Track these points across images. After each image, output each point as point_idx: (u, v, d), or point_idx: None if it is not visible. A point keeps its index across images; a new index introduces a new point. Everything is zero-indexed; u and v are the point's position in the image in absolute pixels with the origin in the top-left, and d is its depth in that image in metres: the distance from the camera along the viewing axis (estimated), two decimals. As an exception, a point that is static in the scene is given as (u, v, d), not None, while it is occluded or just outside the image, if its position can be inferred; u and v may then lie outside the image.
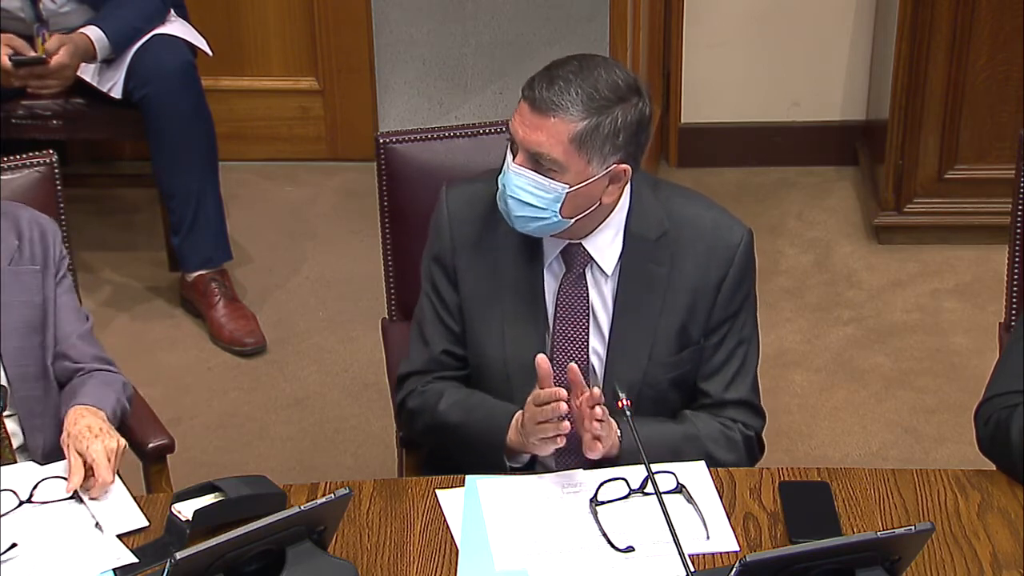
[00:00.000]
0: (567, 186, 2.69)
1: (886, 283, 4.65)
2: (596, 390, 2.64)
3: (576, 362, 2.81)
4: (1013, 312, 3.28)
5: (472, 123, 3.27)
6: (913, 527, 2.31)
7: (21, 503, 2.60)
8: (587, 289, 2.83)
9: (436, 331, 2.91)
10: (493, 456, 2.77)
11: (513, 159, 2.71)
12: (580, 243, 2.81)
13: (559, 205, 2.70)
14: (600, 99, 2.66)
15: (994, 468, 2.74)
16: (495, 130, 3.21)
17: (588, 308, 2.83)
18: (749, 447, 2.88)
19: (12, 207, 2.92)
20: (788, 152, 5.11)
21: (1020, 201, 3.21)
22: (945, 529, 2.58)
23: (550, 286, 2.84)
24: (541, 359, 2.64)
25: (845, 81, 5.04)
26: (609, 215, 2.80)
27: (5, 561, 2.48)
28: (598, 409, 2.64)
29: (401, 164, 3.23)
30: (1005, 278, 3.31)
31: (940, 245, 4.75)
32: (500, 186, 2.73)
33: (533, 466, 2.87)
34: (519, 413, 2.74)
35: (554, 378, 2.68)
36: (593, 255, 2.81)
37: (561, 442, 2.66)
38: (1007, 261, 3.27)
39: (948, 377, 4.28)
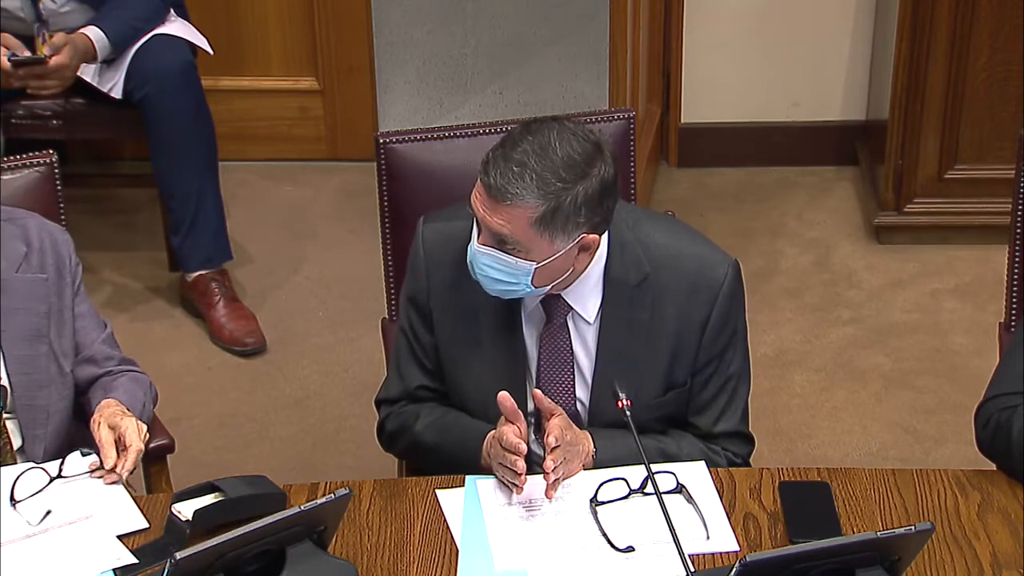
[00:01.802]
0: (534, 263, 2.64)
1: (886, 283, 4.65)
2: (551, 439, 2.62)
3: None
4: (1013, 312, 3.28)
5: (472, 123, 3.27)
6: (913, 527, 2.31)
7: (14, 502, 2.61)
8: (570, 338, 2.79)
9: (411, 367, 2.89)
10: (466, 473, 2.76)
11: (478, 236, 2.66)
12: (560, 295, 2.76)
13: (529, 278, 2.66)
14: (557, 182, 2.58)
15: (994, 468, 2.74)
16: (495, 130, 3.20)
17: (572, 357, 2.80)
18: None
19: (20, 214, 2.91)
20: (788, 152, 5.11)
21: (1020, 201, 3.21)
22: (945, 529, 2.58)
23: (531, 334, 2.80)
24: (503, 396, 2.63)
25: (845, 81, 5.04)
26: (588, 265, 2.73)
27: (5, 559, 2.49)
28: (548, 462, 2.62)
29: (401, 164, 3.23)
30: (1005, 278, 3.31)
31: (940, 245, 4.74)
32: (469, 261, 2.69)
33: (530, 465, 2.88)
34: (490, 435, 2.72)
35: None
36: (573, 306, 2.77)
37: (518, 492, 2.64)
38: (1007, 261, 3.27)
39: (948, 377, 4.28)
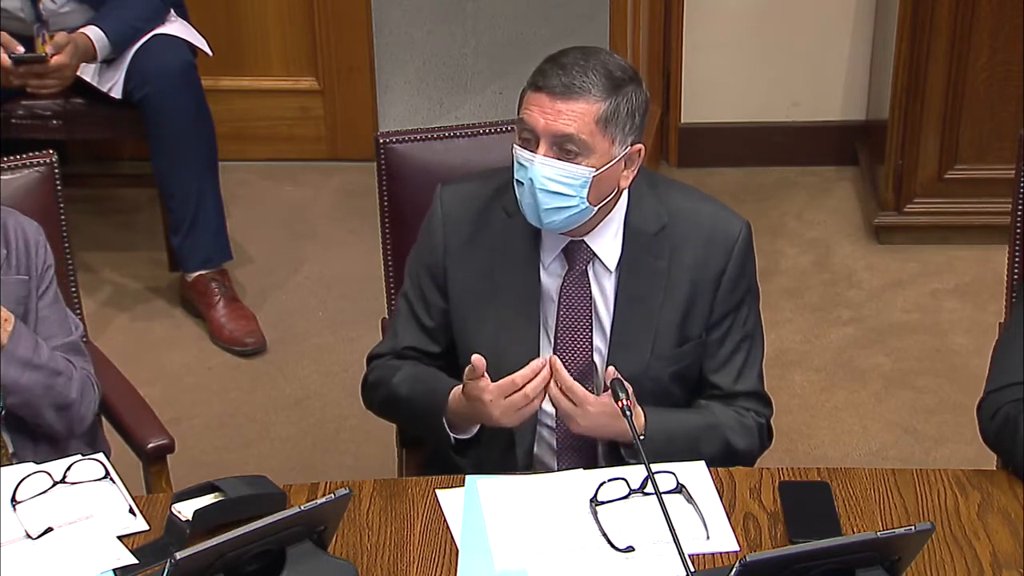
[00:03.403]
0: (593, 169, 2.71)
1: (886, 283, 4.65)
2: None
3: (579, 360, 2.82)
4: (1013, 312, 3.27)
5: (472, 123, 3.27)
6: (913, 527, 2.31)
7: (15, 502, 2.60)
8: (590, 286, 2.84)
9: (407, 326, 2.94)
10: (436, 428, 2.81)
11: (534, 151, 2.71)
12: (583, 240, 2.82)
13: (586, 191, 2.71)
14: (616, 79, 2.71)
15: (994, 468, 2.74)
16: (495, 130, 3.21)
17: (591, 305, 2.84)
18: (761, 434, 2.92)
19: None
20: (788, 152, 5.11)
21: (1020, 201, 3.21)
22: (945, 529, 2.58)
23: (552, 285, 2.84)
24: (476, 359, 2.68)
25: (845, 81, 5.04)
26: (612, 210, 2.81)
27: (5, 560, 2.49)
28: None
29: (401, 164, 3.23)
30: (1005, 278, 3.31)
31: (940, 245, 4.75)
32: (525, 182, 2.72)
33: (531, 464, 2.88)
34: (459, 387, 2.77)
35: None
36: (596, 251, 2.82)
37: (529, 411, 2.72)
38: (1007, 261, 3.27)
39: (948, 377, 4.28)
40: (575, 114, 2.69)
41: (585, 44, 2.80)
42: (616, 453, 2.82)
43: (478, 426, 2.81)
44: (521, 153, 2.73)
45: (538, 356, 2.82)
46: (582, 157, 2.70)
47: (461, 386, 2.76)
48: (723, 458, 2.80)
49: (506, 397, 2.70)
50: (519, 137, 2.74)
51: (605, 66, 2.71)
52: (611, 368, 2.72)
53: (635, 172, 2.79)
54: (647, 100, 2.77)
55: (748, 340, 2.89)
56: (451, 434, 2.81)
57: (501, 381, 2.71)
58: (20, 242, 2.86)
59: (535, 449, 2.89)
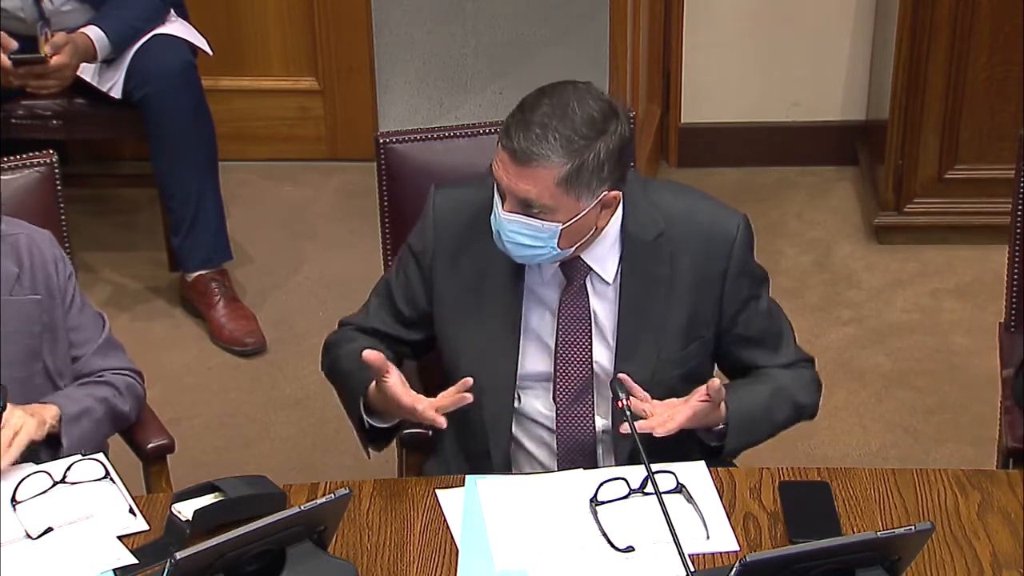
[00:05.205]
0: (560, 224, 2.67)
1: (886, 283, 4.65)
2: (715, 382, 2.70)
3: (580, 374, 2.81)
4: (1013, 312, 3.28)
5: (472, 123, 3.27)
6: (913, 527, 2.31)
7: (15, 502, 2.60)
8: (588, 300, 2.82)
9: (380, 310, 2.93)
10: (354, 410, 2.81)
11: (502, 204, 2.69)
12: (579, 256, 2.79)
13: (556, 240, 2.69)
14: (580, 139, 2.62)
15: (994, 468, 2.74)
16: (495, 130, 3.18)
17: (590, 319, 2.82)
18: (817, 384, 2.96)
19: (10, 229, 2.85)
20: (788, 152, 5.11)
21: (1020, 201, 3.22)
22: (945, 529, 2.58)
23: (551, 300, 2.82)
24: (368, 355, 2.66)
25: (845, 81, 5.04)
26: (604, 229, 2.78)
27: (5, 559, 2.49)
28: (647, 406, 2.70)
29: (401, 164, 3.23)
30: (1005, 278, 3.31)
31: (940, 245, 4.74)
32: (495, 231, 2.71)
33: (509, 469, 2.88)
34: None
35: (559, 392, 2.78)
36: (593, 266, 2.80)
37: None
38: (1007, 261, 3.28)
39: (948, 377, 4.28)
40: (533, 179, 2.63)
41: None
42: (614, 455, 2.82)
43: (397, 420, 2.80)
44: (495, 200, 2.71)
45: (516, 367, 2.81)
46: (546, 215, 2.66)
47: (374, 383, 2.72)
48: (792, 420, 2.86)
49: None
50: (495, 180, 2.70)
51: (572, 123, 2.61)
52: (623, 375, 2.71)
53: (614, 211, 2.75)
54: (624, 142, 2.67)
55: (772, 321, 2.91)
56: (366, 418, 2.79)
57: (433, 400, 2.69)
58: (36, 260, 2.85)
59: (530, 449, 2.89)
